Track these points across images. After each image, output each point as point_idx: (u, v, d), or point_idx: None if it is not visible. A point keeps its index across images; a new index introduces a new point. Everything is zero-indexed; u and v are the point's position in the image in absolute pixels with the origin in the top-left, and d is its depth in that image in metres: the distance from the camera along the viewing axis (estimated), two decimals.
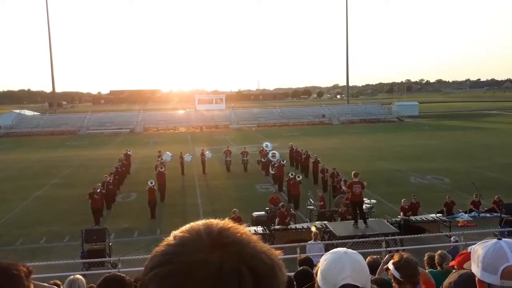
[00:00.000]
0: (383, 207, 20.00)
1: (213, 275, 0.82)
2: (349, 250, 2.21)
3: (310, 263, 6.49)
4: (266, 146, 30.35)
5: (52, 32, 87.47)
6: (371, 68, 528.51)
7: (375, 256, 6.75)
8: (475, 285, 1.95)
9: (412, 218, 17.35)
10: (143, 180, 27.12)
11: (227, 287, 0.82)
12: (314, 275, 2.27)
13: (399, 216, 17.32)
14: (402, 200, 18.02)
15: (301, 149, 30.33)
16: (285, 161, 26.17)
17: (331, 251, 2.22)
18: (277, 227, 16.36)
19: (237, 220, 16.45)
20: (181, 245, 0.87)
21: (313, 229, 16.30)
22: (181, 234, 0.91)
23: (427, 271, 5.57)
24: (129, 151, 31.32)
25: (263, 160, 30.06)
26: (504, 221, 16.70)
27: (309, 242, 13.05)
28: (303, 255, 10.19)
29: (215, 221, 0.93)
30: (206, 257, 0.84)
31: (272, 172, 26.07)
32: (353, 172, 15.90)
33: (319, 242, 13.22)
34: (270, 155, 27.68)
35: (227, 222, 0.93)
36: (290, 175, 21.84)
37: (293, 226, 16.60)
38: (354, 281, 2.04)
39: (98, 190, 19.39)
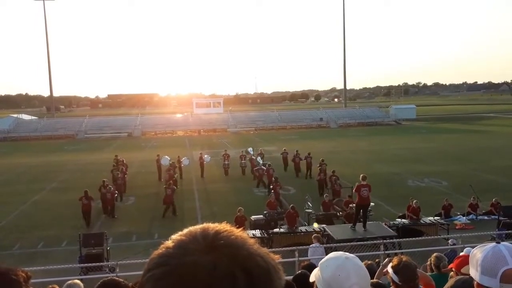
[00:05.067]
0: (381, 210, 20.01)
1: (206, 277, 0.83)
2: (349, 254, 2.20)
3: (312, 269, 6.47)
4: (250, 151, 30.82)
5: (49, 36, 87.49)
6: (368, 72, 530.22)
7: (369, 262, 6.74)
8: None
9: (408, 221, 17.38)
10: (141, 184, 27.16)
11: None
12: (312, 279, 2.25)
13: (402, 220, 17.29)
14: (414, 202, 17.87)
15: (307, 154, 29.63)
16: (266, 167, 26.55)
17: (330, 256, 2.20)
18: (275, 230, 16.33)
19: (242, 219, 16.45)
20: (177, 248, 0.89)
21: (315, 225, 16.33)
22: (178, 237, 0.93)
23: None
24: (119, 157, 30.85)
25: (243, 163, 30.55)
26: (502, 223, 16.73)
27: (311, 245, 12.92)
28: (302, 259, 10.16)
29: (212, 225, 0.95)
30: (200, 259, 0.85)
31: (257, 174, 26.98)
32: (361, 175, 15.79)
33: (321, 245, 13.12)
34: (259, 159, 28.34)
35: (223, 226, 0.94)
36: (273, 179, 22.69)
37: (298, 229, 16.54)
38: (360, 287, 2.03)
39: (110, 187, 21.43)
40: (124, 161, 29.03)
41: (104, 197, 21.36)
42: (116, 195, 22.00)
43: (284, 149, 32.06)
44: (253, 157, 30.03)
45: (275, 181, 22.18)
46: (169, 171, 25.92)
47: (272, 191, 21.32)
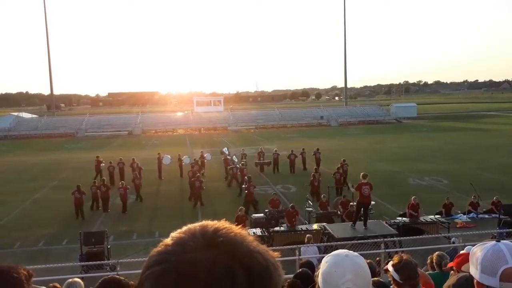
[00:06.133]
0: (381, 209, 20.01)
1: (206, 274, 0.83)
2: (351, 252, 2.19)
3: (311, 267, 6.49)
4: (225, 151, 30.79)
5: (50, 34, 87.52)
6: (369, 70, 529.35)
7: (368, 261, 6.74)
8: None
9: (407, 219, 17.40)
10: (142, 182, 27.04)
11: (220, 285, 0.83)
12: (315, 277, 2.26)
13: (403, 218, 17.30)
14: (413, 198, 17.92)
15: (316, 149, 30.84)
16: (240, 166, 26.81)
17: (332, 253, 2.20)
18: (276, 229, 16.35)
19: (243, 218, 16.47)
20: (177, 245, 0.90)
21: (315, 226, 16.38)
22: (178, 235, 0.93)
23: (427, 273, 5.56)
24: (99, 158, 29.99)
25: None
26: (503, 222, 16.74)
27: (303, 245, 13.03)
28: (303, 257, 10.18)
29: (211, 222, 0.95)
30: (199, 256, 0.85)
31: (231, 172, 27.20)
32: (362, 173, 15.79)
33: (313, 244, 13.26)
34: (234, 158, 28.47)
35: (222, 223, 0.95)
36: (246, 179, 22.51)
37: (298, 227, 16.59)
38: (355, 285, 2.02)
39: (123, 183, 22.73)
40: (135, 160, 28.81)
41: (104, 195, 22.00)
42: (128, 189, 22.38)
43: (275, 150, 31.97)
44: (228, 157, 29.91)
45: (248, 180, 21.75)
46: (192, 167, 25.81)
47: (246, 191, 21.25)
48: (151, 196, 24.55)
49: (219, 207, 21.75)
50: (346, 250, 2.23)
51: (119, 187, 22.54)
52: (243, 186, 22.76)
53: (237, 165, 27.07)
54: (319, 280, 2.12)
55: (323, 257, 2.25)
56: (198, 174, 23.94)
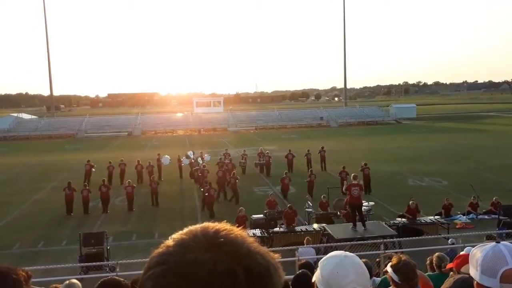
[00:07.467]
0: (381, 210, 20.01)
1: (207, 274, 0.84)
2: (348, 253, 2.20)
3: (310, 268, 6.48)
4: (190, 155, 30.53)
5: (49, 35, 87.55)
6: (369, 71, 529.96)
7: (364, 260, 6.74)
8: None
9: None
10: (143, 184, 27.05)
11: (221, 286, 0.83)
12: (313, 279, 2.24)
13: (402, 219, 17.24)
14: (410, 202, 17.82)
15: (321, 148, 31.58)
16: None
17: (329, 255, 2.20)
18: (276, 229, 16.35)
19: (243, 218, 16.47)
20: (178, 246, 0.90)
21: (315, 226, 16.39)
22: (179, 236, 0.94)
23: (426, 274, 5.56)
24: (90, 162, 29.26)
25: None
26: (502, 223, 16.73)
27: (300, 247, 13.03)
28: (302, 258, 10.18)
29: (212, 224, 0.96)
30: (200, 257, 0.86)
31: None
32: (353, 174, 15.89)
33: (311, 246, 13.26)
34: (199, 160, 28.42)
35: (223, 225, 0.96)
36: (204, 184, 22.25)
37: (297, 228, 16.59)
38: (359, 285, 2.03)
39: (129, 181, 22.98)
40: (139, 162, 28.81)
41: (104, 195, 22.03)
42: (134, 187, 22.75)
43: (267, 152, 31.74)
44: (192, 160, 29.59)
45: (209, 184, 21.65)
46: (221, 168, 25.55)
47: (206, 193, 21.19)
48: (150, 196, 24.50)
49: (218, 208, 21.71)
50: (342, 251, 2.24)
51: (125, 185, 22.73)
52: (201, 189, 22.39)
53: (201, 167, 26.45)
54: (319, 282, 2.12)
55: (321, 258, 2.24)
56: (234, 171, 24.60)
